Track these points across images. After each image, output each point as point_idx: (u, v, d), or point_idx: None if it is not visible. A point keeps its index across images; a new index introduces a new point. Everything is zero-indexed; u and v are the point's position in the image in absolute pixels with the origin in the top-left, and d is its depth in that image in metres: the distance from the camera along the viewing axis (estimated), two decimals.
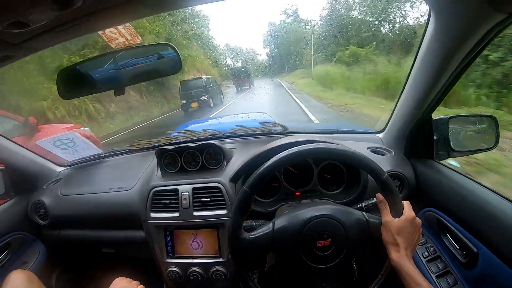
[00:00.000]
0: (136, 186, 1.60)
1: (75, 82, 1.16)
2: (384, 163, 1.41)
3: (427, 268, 1.22)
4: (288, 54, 43.15)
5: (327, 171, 1.48)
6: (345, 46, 23.53)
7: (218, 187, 1.42)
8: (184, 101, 14.93)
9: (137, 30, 1.04)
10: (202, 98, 14.63)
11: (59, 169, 1.98)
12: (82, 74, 1.16)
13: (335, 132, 1.95)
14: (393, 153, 1.51)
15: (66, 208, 1.68)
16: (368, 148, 1.55)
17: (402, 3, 24.88)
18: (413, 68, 1.23)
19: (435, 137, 1.39)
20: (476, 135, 1.46)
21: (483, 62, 7.04)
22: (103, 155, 1.99)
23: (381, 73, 13.96)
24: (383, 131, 1.67)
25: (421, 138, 1.42)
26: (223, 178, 1.45)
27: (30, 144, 1.77)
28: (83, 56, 12.41)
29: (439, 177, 1.32)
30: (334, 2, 31.62)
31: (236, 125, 1.89)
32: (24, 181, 1.79)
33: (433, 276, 1.19)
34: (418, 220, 0.99)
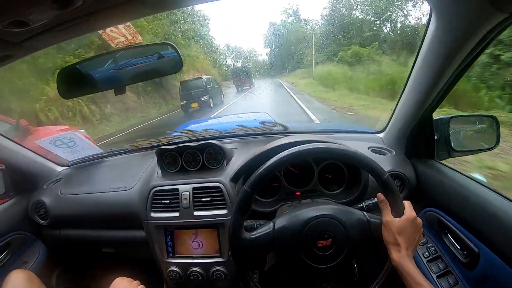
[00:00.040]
0: (136, 186, 1.59)
1: (75, 82, 1.16)
2: (385, 163, 1.41)
3: (428, 268, 1.22)
4: (288, 54, 42.99)
5: (328, 171, 1.48)
6: (347, 46, 23.37)
7: (218, 187, 1.42)
8: (184, 102, 14.88)
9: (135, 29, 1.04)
10: (202, 99, 14.58)
11: (59, 168, 1.97)
12: (82, 74, 1.16)
13: (335, 132, 1.95)
14: (394, 153, 1.51)
15: (66, 207, 1.68)
16: (368, 148, 1.55)
17: (404, 3, 24.79)
18: (414, 68, 1.22)
19: (435, 137, 1.38)
20: (477, 135, 1.46)
21: (494, 62, 6.87)
22: (103, 154, 1.99)
23: (385, 73, 13.72)
24: (383, 131, 1.67)
25: (422, 138, 1.42)
26: (223, 177, 1.45)
27: (27, 145, 1.76)
28: (78, 56, 12.38)
29: (440, 177, 1.32)
30: (335, 1, 31.49)
31: (236, 125, 1.89)
32: (24, 180, 1.79)
33: (434, 276, 1.19)
34: (419, 220, 0.99)
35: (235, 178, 1.44)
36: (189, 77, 19.09)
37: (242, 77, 24.56)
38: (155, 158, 1.61)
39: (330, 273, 1.04)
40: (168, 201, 1.45)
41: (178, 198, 1.44)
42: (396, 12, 25.15)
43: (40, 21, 0.68)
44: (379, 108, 9.89)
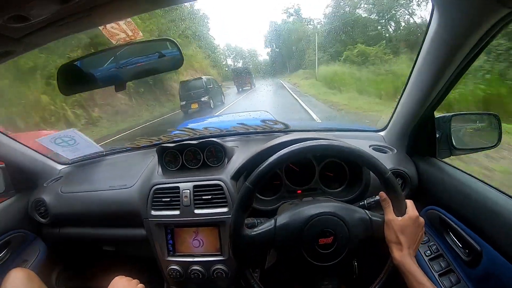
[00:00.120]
0: (136, 184, 1.59)
1: (75, 78, 1.16)
2: (386, 161, 1.41)
3: (430, 267, 1.21)
4: (289, 54, 42.68)
5: (329, 169, 1.48)
6: (353, 45, 22.71)
7: (219, 185, 1.42)
8: (184, 102, 14.75)
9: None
10: (202, 99, 14.44)
11: (60, 167, 1.97)
12: (82, 71, 1.16)
13: (337, 130, 1.95)
14: (395, 151, 1.51)
15: (66, 206, 1.68)
16: (370, 146, 1.55)
17: (409, 1, 24.50)
18: (416, 66, 1.22)
19: (437, 135, 1.38)
20: (479, 133, 1.46)
21: None
22: (104, 153, 1.99)
23: (399, 74, 12.64)
24: (385, 129, 1.67)
25: (424, 136, 1.42)
26: (224, 175, 1.45)
27: (27, 143, 1.77)
28: (63, 55, 12.13)
29: (441, 175, 1.31)
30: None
31: (237, 123, 1.90)
32: (24, 179, 1.79)
33: (436, 275, 1.19)
34: (421, 219, 0.99)
35: (236, 176, 1.43)
36: (187, 77, 18.64)
37: (243, 77, 24.48)
38: (156, 156, 1.61)
39: (331, 271, 1.04)
40: (168, 199, 1.44)
41: (178, 196, 1.43)
42: (402, 10, 24.81)
43: (41, 16, 0.67)
44: None
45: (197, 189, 1.43)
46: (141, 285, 1.15)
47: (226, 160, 1.55)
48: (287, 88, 23.68)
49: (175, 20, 25.09)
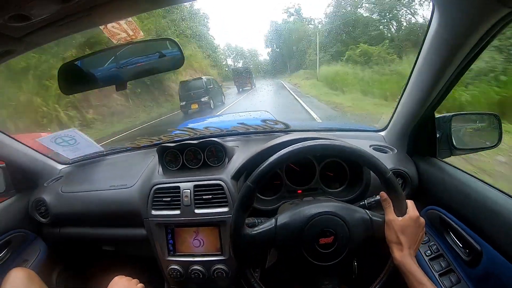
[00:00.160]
0: (137, 184, 1.59)
1: (76, 78, 1.16)
2: (387, 161, 1.41)
3: (430, 267, 1.22)
4: (290, 54, 42.58)
5: (329, 169, 1.48)
6: (355, 45, 22.38)
7: (219, 185, 1.42)
8: (184, 102, 14.69)
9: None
10: (203, 99, 14.35)
11: (60, 166, 1.97)
12: (83, 70, 1.16)
13: (337, 130, 1.95)
14: (396, 151, 1.51)
15: (67, 205, 1.68)
16: (370, 146, 1.55)
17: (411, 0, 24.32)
18: (416, 65, 1.22)
19: (437, 135, 1.38)
20: (479, 133, 1.46)
21: None
22: (104, 153, 1.99)
23: (404, 74, 11.63)
24: (385, 129, 1.67)
25: (424, 136, 1.42)
26: (224, 175, 1.45)
27: (28, 143, 1.77)
28: (56, 54, 12.02)
29: (441, 175, 1.31)
30: None
31: (237, 123, 1.90)
32: (25, 178, 1.79)
33: (436, 275, 1.19)
34: (422, 219, 0.99)
35: (236, 176, 1.44)
36: (186, 77, 18.31)
37: (243, 77, 24.43)
38: (156, 156, 1.61)
39: (332, 271, 1.04)
40: (169, 199, 1.45)
41: (179, 196, 1.43)
42: (404, 9, 24.58)
43: (42, 15, 0.67)
44: None
45: (198, 189, 1.43)
46: (141, 284, 1.15)
47: (226, 160, 1.55)
48: (288, 88, 23.36)
49: (175, 20, 25.02)
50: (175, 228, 1.47)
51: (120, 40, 1.05)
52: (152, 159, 1.72)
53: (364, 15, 27.67)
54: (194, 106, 14.24)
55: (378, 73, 15.94)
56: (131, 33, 1.04)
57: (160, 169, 1.59)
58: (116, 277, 1.15)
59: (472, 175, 1.21)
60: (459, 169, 1.29)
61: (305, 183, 1.47)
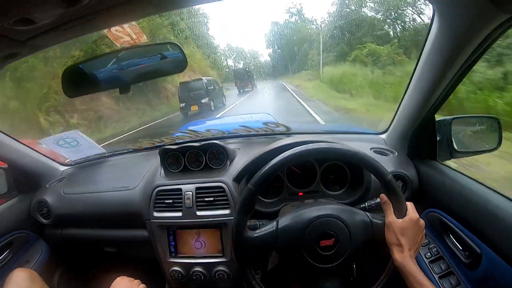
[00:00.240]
0: (139, 186, 1.60)
1: (79, 81, 1.17)
2: (387, 164, 1.41)
3: (430, 269, 1.22)
4: (291, 55, 42.35)
5: (330, 171, 1.49)
6: (362, 44, 21.68)
7: (221, 187, 1.43)
8: (183, 104, 14.58)
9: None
10: (203, 101, 14.21)
11: (62, 168, 1.98)
12: (86, 73, 1.16)
13: (338, 132, 1.96)
14: (396, 153, 1.52)
15: (69, 207, 1.69)
16: (371, 149, 1.55)
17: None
18: (417, 69, 1.23)
19: (438, 138, 1.39)
20: (479, 136, 1.47)
21: None
22: (106, 154, 2.00)
23: None
24: (386, 132, 1.67)
25: (424, 139, 1.42)
26: (226, 178, 1.46)
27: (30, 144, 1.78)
28: (45, 57, 11.81)
29: (442, 178, 1.32)
30: None
31: (239, 125, 1.90)
32: (27, 180, 1.80)
33: (436, 277, 1.19)
34: (422, 221, 0.99)
35: (238, 178, 1.44)
36: (184, 78, 17.67)
37: (244, 78, 24.38)
38: (158, 158, 1.62)
39: (333, 272, 1.05)
40: (171, 201, 1.45)
41: (181, 198, 1.44)
42: (410, 9, 24.12)
43: (47, 19, 0.68)
44: None
45: (199, 191, 1.44)
46: (143, 285, 1.16)
47: (228, 162, 1.56)
48: (290, 90, 22.91)
49: (173, 19, 24.65)
50: (176, 230, 1.48)
51: (123, 43, 1.06)
52: (154, 161, 1.73)
53: (369, 14, 27.15)
54: (194, 108, 14.08)
55: (391, 74, 15.14)
56: (134, 36, 1.05)
57: (162, 171, 1.59)
58: (118, 277, 1.15)
59: (472, 178, 1.22)
60: (459, 172, 1.29)
61: (306, 186, 1.48)
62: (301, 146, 0.98)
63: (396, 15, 24.83)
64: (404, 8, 24.36)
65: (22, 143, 1.72)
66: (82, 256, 2.03)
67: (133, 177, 1.66)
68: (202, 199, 1.42)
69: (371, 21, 26.08)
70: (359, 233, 1.00)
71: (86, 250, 1.99)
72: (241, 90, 24.03)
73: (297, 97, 17.33)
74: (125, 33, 1.02)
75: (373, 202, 1.13)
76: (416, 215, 0.99)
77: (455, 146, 1.38)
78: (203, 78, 16.03)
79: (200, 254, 1.47)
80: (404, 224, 0.96)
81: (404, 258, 0.93)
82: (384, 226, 1.00)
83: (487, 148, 1.41)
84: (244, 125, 1.89)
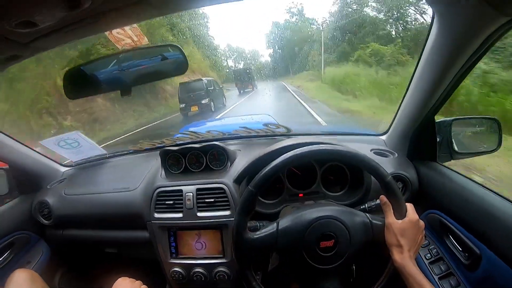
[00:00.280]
0: (140, 187, 1.60)
1: (80, 83, 1.17)
2: (387, 165, 1.41)
3: (430, 270, 1.22)
4: (292, 55, 41.87)
5: (331, 172, 1.49)
6: (365, 44, 21.17)
7: (222, 188, 1.43)
8: (183, 105, 14.39)
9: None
10: (203, 102, 14.05)
11: (63, 169, 1.99)
12: (87, 75, 1.17)
13: (338, 134, 1.96)
14: (396, 155, 1.52)
15: (70, 208, 1.69)
16: (371, 150, 1.56)
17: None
18: (417, 70, 1.23)
19: (438, 139, 1.39)
20: (479, 137, 1.47)
21: None
22: (107, 155, 2.00)
23: None
24: (386, 133, 1.67)
25: (424, 140, 1.42)
26: (227, 179, 1.46)
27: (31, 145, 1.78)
28: (37, 57, 11.29)
29: (442, 179, 1.32)
30: None
31: (239, 127, 1.91)
32: (28, 181, 1.81)
33: (436, 278, 1.19)
34: (422, 222, 1.00)
35: (238, 180, 1.44)
36: (184, 79, 16.94)
37: (244, 79, 24.20)
38: (159, 159, 1.62)
39: (333, 273, 1.05)
40: (171, 202, 1.46)
41: (181, 199, 1.44)
42: (413, 8, 23.75)
43: (49, 22, 0.68)
44: None
45: (200, 192, 1.44)
46: (144, 286, 1.16)
47: (228, 164, 1.56)
48: (291, 91, 22.33)
49: (173, 20, 24.42)
50: (177, 231, 1.48)
51: (124, 45, 1.06)
52: (154, 162, 1.73)
53: (371, 14, 26.68)
54: (194, 109, 13.93)
55: (396, 75, 14.73)
56: (135, 38, 1.05)
57: (163, 172, 1.60)
58: (120, 278, 1.16)
59: (472, 180, 1.22)
60: (459, 173, 1.29)
61: (306, 187, 1.48)
62: (302, 148, 0.98)
63: (398, 14, 24.49)
64: (406, 7, 24.06)
65: (23, 144, 1.72)
66: (83, 257, 2.03)
67: (134, 178, 1.67)
68: (203, 200, 1.43)
69: (373, 21, 25.74)
70: (359, 234, 1.00)
71: (87, 251, 1.99)
72: (242, 91, 23.87)
73: (298, 98, 16.90)
74: (126, 35, 1.03)
75: (373, 203, 1.14)
76: (416, 216, 0.99)
77: (455, 148, 1.39)
78: (203, 78, 15.83)
79: (200, 255, 1.47)
80: (404, 225, 0.97)
81: (403, 259, 0.94)
82: (384, 227, 1.01)
83: (487, 149, 1.41)
84: (244, 126, 1.90)
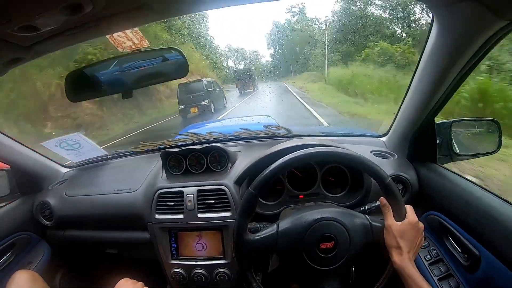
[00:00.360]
0: (141, 188, 1.61)
1: (81, 85, 1.17)
2: (387, 167, 1.42)
3: (429, 271, 1.22)
4: (293, 56, 41.89)
5: (331, 174, 1.49)
6: (373, 42, 20.57)
7: (222, 189, 1.43)
8: (183, 106, 14.10)
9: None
10: (203, 103, 13.81)
11: (64, 170, 1.99)
12: (88, 77, 1.17)
13: (339, 135, 1.96)
14: (396, 156, 1.52)
15: (71, 209, 1.70)
16: (371, 152, 1.56)
17: None
18: (417, 72, 1.23)
19: (438, 141, 1.39)
20: (479, 139, 1.47)
21: None
22: (108, 156, 2.01)
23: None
24: (386, 135, 1.67)
25: (424, 142, 1.43)
26: (227, 180, 1.47)
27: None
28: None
29: (441, 181, 1.32)
30: None
31: (240, 128, 1.91)
32: (29, 181, 1.81)
33: (435, 279, 1.19)
34: (421, 224, 1.00)
35: (239, 181, 1.45)
36: (182, 79, 17.41)
37: (245, 80, 24.03)
38: (160, 161, 1.63)
39: (332, 275, 1.05)
40: (172, 203, 1.46)
41: (182, 200, 1.45)
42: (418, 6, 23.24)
43: (50, 26, 0.69)
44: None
45: (201, 194, 1.45)
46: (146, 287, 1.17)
47: (229, 165, 1.57)
48: (293, 92, 21.80)
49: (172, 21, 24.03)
50: (178, 232, 1.49)
51: (125, 48, 1.07)
52: (155, 164, 1.74)
53: (376, 11, 26.30)
54: (194, 110, 13.70)
55: (409, 75, 12.96)
56: (136, 41, 1.05)
57: (164, 173, 1.60)
58: (122, 279, 1.16)
59: (472, 181, 1.22)
60: (459, 175, 1.30)
61: (306, 188, 1.48)
62: (302, 150, 0.99)
63: (405, 11, 24.20)
64: (412, 5, 23.77)
65: (24, 145, 1.73)
66: (83, 257, 2.03)
67: (135, 179, 1.67)
68: (204, 202, 1.43)
69: (379, 19, 25.45)
70: (358, 236, 1.00)
71: (88, 252, 1.99)
72: (242, 92, 23.72)
73: (302, 102, 15.76)
74: (127, 38, 1.03)
75: (373, 205, 1.14)
76: (415, 218, 0.99)
77: (455, 149, 1.39)
78: (203, 79, 15.64)
79: (201, 256, 1.47)
80: (403, 227, 0.97)
81: (403, 260, 0.94)
82: (384, 229, 1.01)
83: (487, 151, 1.41)
84: (245, 127, 1.90)
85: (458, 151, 1.40)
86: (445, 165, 1.41)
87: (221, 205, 1.42)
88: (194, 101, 13.73)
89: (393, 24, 24.89)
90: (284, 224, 1.02)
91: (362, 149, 1.54)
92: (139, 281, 1.18)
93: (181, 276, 1.47)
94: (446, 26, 0.98)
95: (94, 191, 1.72)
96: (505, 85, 6.21)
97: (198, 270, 1.45)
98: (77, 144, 1.85)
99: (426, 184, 1.40)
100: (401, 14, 24.60)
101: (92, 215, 1.67)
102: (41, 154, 1.85)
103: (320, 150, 0.99)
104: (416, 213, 1.01)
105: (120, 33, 1.00)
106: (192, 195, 1.44)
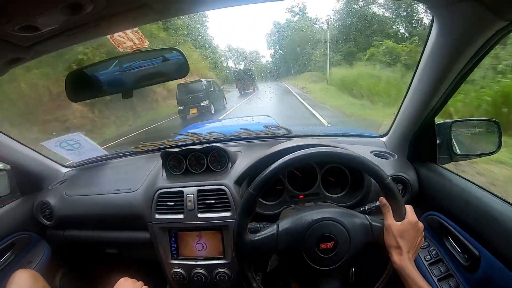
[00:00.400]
0: (141, 188, 1.61)
1: (82, 85, 1.18)
2: (387, 167, 1.42)
3: (429, 271, 1.22)
4: (294, 56, 41.54)
5: (331, 174, 1.49)
6: (378, 41, 19.92)
7: (222, 190, 1.44)
8: (182, 107, 13.85)
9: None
10: (202, 104, 13.57)
11: (65, 170, 1.99)
12: (89, 77, 1.17)
13: (339, 135, 1.96)
14: (396, 157, 1.52)
15: (71, 208, 1.70)
16: (371, 152, 1.56)
17: None
18: (417, 73, 1.23)
19: (438, 141, 1.40)
20: (479, 139, 1.47)
21: None
22: (108, 156, 2.01)
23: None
24: (386, 135, 1.67)
25: (424, 142, 1.43)
26: (227, 180, 1.47)
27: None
28: None
29: (441, 181, 1.32)
30: None
31: (240, 128, 1.91)
32: (29, 181, 1.82)
33: (435, 279, 1.19)
34: (421, 224, 1.00)
35: (239, 181, 1.45)
36: (180, 80, 16.91)
37: (245, 80, 23.88)
38: (160, 161, 1.63)
39: (332, 275, 1.05)
40: (172, 203, 1.46)
41: (182, 200, 1.45)
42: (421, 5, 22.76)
43: (51, 26, 0.69)
44: None
45: (201, 194, 1.45)
46: (145, 287, 1.17)
47: (229, 165, 1.57)
48: (294, 93, 21.02)
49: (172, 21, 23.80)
50: (178, 232, 1.49)
51: (126, 48, 1.07)
52: (155, 164, 1.74)
53: (378, 11, 26.00)
54: (193, 111, 13.50)
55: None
56: (137, 41, 1.06)
57: (164, 173, 1.60)
58: (122, 279, 1.16)
59: (472, 182, 1.22)
60: (459, 175, 1.30)
61: (306, 188, 1.48)
62: (302, 150, 0.99)
63: (408, 10, 23.93)
64: (415, 4, 23.50)
65: (24, 145, 1.73)
66: (83, 257, 2.04)
67: (135, 179, 1.67)
68: (204, 202, 1.43)
69: (381, 18, 25.18)
70: (358, 236, 1.00)
71: (88, 252, 2.00)
72: (242, 92, 23.57)
73: (304, 103, 14.90)
74: (127, 38, 1.03)
75: (373, 205, 1.14)
76: (415, 218, 1.00)
77: (455, 149, 1.39)
78: (203, 79, 15.32)
79: (201, 256, 1.47)
80: (403, 227, 0.97)
81: (403, 260, 0.94)
82: (383, 229, 1.01)
83: (487, 152, 1.41)
84: (245, 127, 1.90)
85: (458, 151, 1.40)
86: (445, 165, 1.42)
87: (221, 205, 1.42)
88: (193, 102, 13.55)
89: (396, 23, 24.69)
90: (284, 224, 1.02)
91: (362, 149, 1.54)
92: (138, 281, 1.18)
93: (181, 276, 1.47)
94: (446, 26, 0.98)
95: (94, 191, 1.72)
96: None
97: (198, 270, 1.45)
98: (77, 144, 1.85)
99: (426, 184, 1.40)
100: (405, 13, 24.47)
101: (92, 215, 1.67)
102: (41, 154, 1.85)
103: (320, 150, 0.99)
104: (416, 213, 1.01)
105: (120, 33, 1.00)
106: (192, 195, 1.44)
